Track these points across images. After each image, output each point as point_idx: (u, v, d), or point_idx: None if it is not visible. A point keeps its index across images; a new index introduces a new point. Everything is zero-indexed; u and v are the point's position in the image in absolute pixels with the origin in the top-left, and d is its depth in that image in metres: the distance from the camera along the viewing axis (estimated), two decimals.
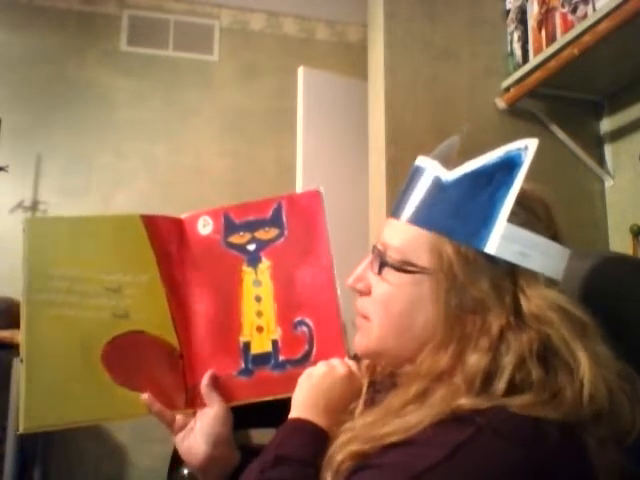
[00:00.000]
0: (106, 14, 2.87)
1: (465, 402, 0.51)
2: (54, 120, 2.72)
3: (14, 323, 0.74)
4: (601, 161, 1.85)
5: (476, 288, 0.54)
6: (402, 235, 0.60)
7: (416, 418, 0.52)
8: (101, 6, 2.87)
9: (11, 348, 1.76)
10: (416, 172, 0.61)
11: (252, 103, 2.96)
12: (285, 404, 0.68)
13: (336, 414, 0.64)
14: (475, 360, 0.53)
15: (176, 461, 1.93)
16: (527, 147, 0.55)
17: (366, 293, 0.64)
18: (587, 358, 0.51)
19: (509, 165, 0.55)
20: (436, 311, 0.57)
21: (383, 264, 0.61)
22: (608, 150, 1.85)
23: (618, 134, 1.81)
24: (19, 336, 0.73)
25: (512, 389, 0.51)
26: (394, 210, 0.63)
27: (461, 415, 0.50)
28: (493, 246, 0.54)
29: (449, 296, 0.56)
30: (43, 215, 2.58)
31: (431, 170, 0.59)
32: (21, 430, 0.70)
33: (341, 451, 0.54)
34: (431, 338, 0.57)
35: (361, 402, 0.65)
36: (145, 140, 2.81)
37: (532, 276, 0.55)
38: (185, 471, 1.87)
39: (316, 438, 0.61)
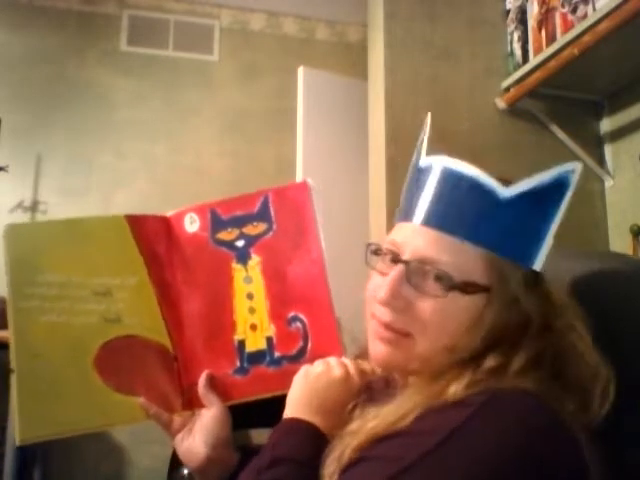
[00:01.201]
0: (106, 14, 2.87)
1: (460, 383, 0.51)
2: (54, 120, 2.72)
3: None
4: (601, 161, 1.85)
5: (528, 302, 0.56)
6: (456, 252, 0.56)
7: (408, 405, 0.52)
8: (101, 6, 2.87)
9: None
10: (450, 177, 0.59)
11: (252, 103, 2.96)
12: (285, 404, 0.68)
13: (330, 415, 0.63)
14: (493, 358, 0.54)
15: (176, 461, 1.93)
16: (574, 170, 0.58)
17: (404, 310, 0.58)
18: (600, 358, 0.54)
19: (560, 186, 0.57)
20: (485, 326, 0.56)
21: (450, 287, 0.55)
22: (608, 150, 1.85)
23: (618, 134, 1.81)
24: None
25: (519, 373, 0.52)
26: (429, 218, 0.58)
27: (455, 400, 0.50)
28: (540, 263, 0.56)
29: (502, 312, 0.56)
30: (41, 216, 2.59)
31: (482, 181, 0.57)
32: (18, 442, 0.68)
33: (343, 449, 0.54)
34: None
35: (359, 402, 0.65)
36: (145, 140, 2.81)
37: (544, 277, 0.57)
38: (185, 471, 1.86)
39: (312, 438, 0.61)
